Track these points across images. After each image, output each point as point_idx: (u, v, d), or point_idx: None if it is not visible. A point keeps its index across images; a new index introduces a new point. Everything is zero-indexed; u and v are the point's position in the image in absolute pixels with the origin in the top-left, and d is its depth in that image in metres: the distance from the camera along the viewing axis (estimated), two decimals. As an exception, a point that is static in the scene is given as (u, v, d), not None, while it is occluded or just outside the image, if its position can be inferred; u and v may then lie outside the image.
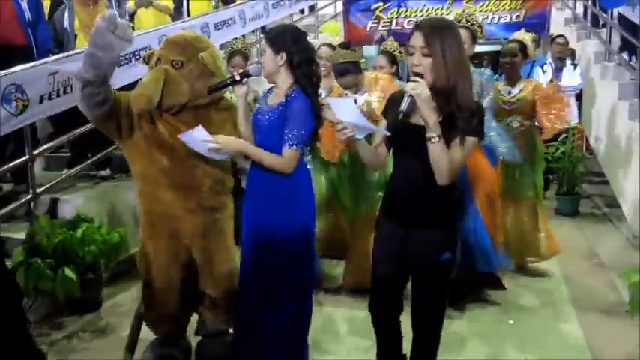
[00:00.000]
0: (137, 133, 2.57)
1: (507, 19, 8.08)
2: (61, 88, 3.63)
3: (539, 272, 4.10)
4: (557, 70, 5.94)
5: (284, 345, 2.46)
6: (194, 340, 2.91)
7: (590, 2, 6.79)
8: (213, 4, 6.64)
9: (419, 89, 1.95)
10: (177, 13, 6.16)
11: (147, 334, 2.85)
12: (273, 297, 2.43)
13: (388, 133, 2.17)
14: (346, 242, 4.15)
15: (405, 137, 2.13)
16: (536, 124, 4.00)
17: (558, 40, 6.06)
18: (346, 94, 3.53)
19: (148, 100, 2.43)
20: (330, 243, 4.03)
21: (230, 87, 2.57)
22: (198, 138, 2.31)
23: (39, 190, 3.72)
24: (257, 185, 2.45)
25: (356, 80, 3.50)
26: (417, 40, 2.03)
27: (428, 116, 1.96)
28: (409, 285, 2.27)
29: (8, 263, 3.22)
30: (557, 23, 8.28)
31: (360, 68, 3.56)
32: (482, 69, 5.91)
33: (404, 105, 1.98)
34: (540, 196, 4.15)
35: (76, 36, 4.60)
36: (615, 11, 5.75)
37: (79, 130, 4.02)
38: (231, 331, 2.89)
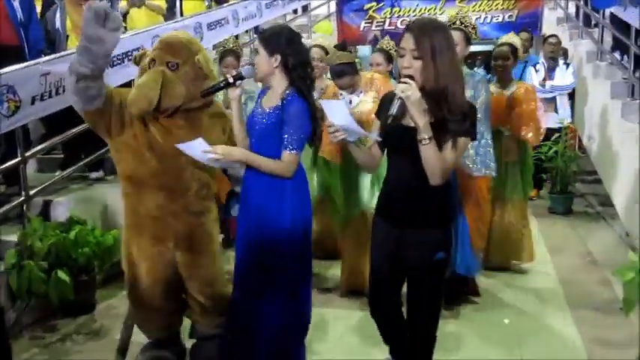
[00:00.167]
0: (127, 131, 2.53)
1: (500, 19, 8.11)
2: (53, 89, 3.60)
3: (533, 271, 4.12)
4: (550, 70, 5.96)
5: (280, 347, 2.45)
6: (189, 343, 2.90)
7: (582, 2, 6.82)
8: (206, 4, 6.63)
9: (408, 92, 1.96)
10: (169, 13, 6.14)
11: (141, 337, 2.83)
12: (271, 299, 2.42)
13: (379, 139, 2.18)
14: (337, 243, 4.16)
15: (397, 139, 2.14)
16: None
17: (551, 39, 6.08)
18: (340, 94, 3.53)
19: (149, 102, 2.40)
20: (321, 244, 4.03)
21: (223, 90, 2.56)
22: (198, 148, 2.29)
23: (31, 192, 3.69)
24: (252, 187, 2.43)
25: (352, 81, 3.49)
26: (408, 41, 2.03)
27: (418, 118, 1.97)
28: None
29: (1, 266, 3.22)
30: (550, 23, 8.31)
31: (357, 69, 3.56)
32: (475, 69, 5.94)
33: (393, 108, 1.99)
34: (527, 198, 4.17)
35: (67, 36, 4.58)
36: (607, 10, 5.78)
37: (71, 132, 3.99)
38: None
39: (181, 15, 6.25)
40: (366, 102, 3.44)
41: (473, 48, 3.56)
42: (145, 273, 2.62)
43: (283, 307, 2.42)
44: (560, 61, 6.04)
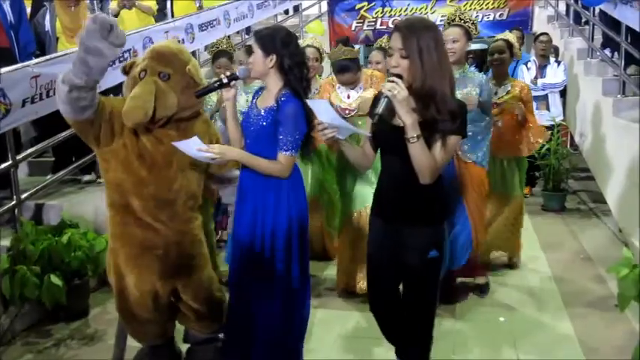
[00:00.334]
0: (117, 141, 2.50)
1: (491, 18, 8.16)
2: (43, 92, 3.58)
3: (527, 269, 4.13)
4: (541, 68, 5.99)
5: (279, 347, 2.44)
6: (183, 347, 2.88)
7: (572, 0, 6.85)
8: (197, 4, 6.60)
9: (395, 90, 1.96)
10: (160, 15, 6.11)
11: (136, 342, 2.80)
12: (269, 299, 2.41)
13: (369, 134, 2.18)
14: (332, 244, 4.16)
15: (387, 138, 2.15)
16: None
17: (542, 37, 6.10)
18: (338, 87, 3.54)
19: (144, 114, 2.38)
20: (314, 244, 4.02)
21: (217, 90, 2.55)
22: (194, 147, 2.29)
23: (23, 196, 3.66)
24: (248, 187, 2.43)
25: (354, 78, 3.49)
26: (396, 41, 2.05)
27: (405, 117, 1.98)
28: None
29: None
30: (540, 21, 8.36)
31: (360, 65, 3.55)
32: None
33: (379, 107, 2.00)
34: (523, 195, 4.19)
35: (57, 38, 4.54)
36: (597, 8, 5.80)
37: (62, 135, 3.96)
38: (221, 336, 2.86)
39: (172, 16, 6.22)
40: (366, 97, 3.44)
41: (465, 47, 3.56)
42: (133, 284, 2.57)
43: (282, 308, 2.41)
44: (552, 59, 6.07)
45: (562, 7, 7.65)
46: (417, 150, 2.00)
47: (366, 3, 8.48)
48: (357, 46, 8.08)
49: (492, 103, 3.66)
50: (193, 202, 2.61)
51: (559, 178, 5.72)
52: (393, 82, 1.99)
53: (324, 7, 9.02)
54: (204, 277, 2.66)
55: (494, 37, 4.29)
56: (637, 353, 2.23)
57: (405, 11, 8.37)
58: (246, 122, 2.44)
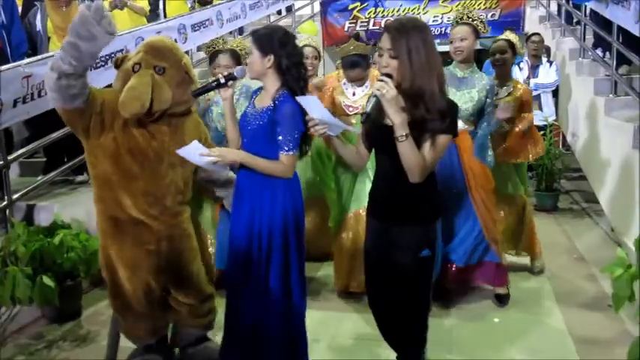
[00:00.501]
0: (107, 134, 2.47)
1: (483, 18, 8.16)
2: (35, 92, 3.55)
3: (521, 269, 4.13)
4: (534, 68, 6.01)
5: (279, 347, 2.43)
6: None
7: (563, 0, 6.88)
8: (189, 5, 6.57)
9: (384, 89, 1.97)
10: (153, 15, 6.09)
11: (129, 342, 2.79)
12: (267, 299, 2.40)
13: (358, 131, 2.21)
14: (328, 244, 4.14)
15: (378, 137, 2.17)
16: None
17: (534, 37, 6.12)
18: (344, 83, 3.54)
19: (142, 105, 2.37)
20: (310, 244, 4.00)
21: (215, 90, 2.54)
22: (195, 151, 2.28)
23: (14, 197, 3.63)
24: (245, 187, 2.42)
25: (363, 74, 3.47)
26: (385, 42, 2.07)
27: (393, 116, 1.99)
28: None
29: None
30: (532, 21, 8.39)
31: (369, 63, 3.52)
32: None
33: (368, 106, 2.02)
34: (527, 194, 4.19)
35: (49, 38, 4.51)
36: (588, 8, 5.83)
37: (54, 135, 3.94)
38: (209, 335, 2.85)
39: (165, 16, 6.20)
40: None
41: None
42: (127, 279, 2.57)
43: (280, 308, 2.40)
44: (544, 59, 6.09)
45: (554, 8, 7.69)
46: (405, 149, 2.00)
47: (358, 3, 8.48)
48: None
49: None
50: (182, 198, 2.62)
51: (552, 178, 5.74)
52: (382, 81, 2.00)
53: (317, 7, 9.02)
54: (194, 271, 2.66)
55: (487, 37, 4.29)
56: (631, 352, 2.24)
57: (397, 11, 8.38)
58: (243, 121, 2.43)
